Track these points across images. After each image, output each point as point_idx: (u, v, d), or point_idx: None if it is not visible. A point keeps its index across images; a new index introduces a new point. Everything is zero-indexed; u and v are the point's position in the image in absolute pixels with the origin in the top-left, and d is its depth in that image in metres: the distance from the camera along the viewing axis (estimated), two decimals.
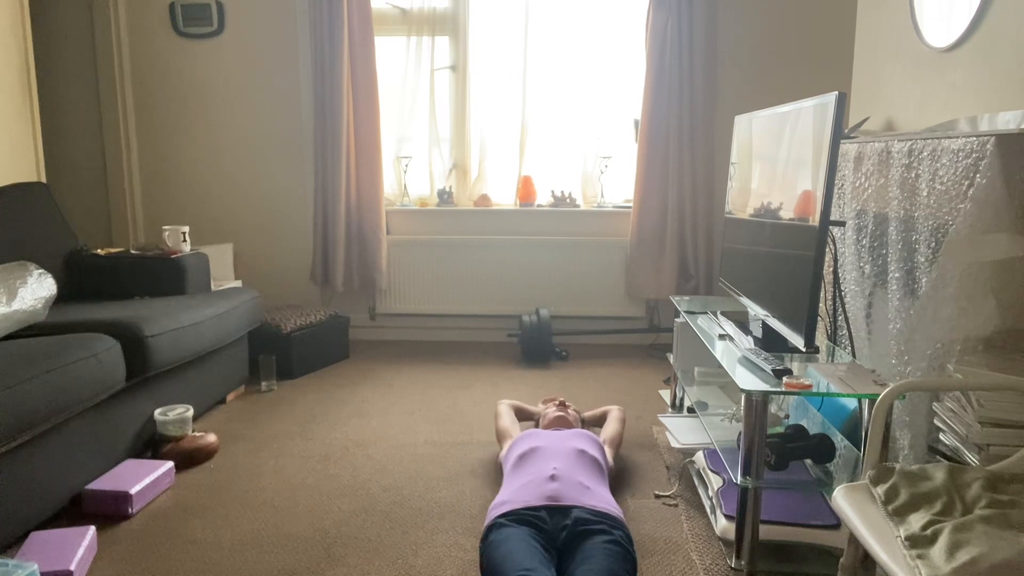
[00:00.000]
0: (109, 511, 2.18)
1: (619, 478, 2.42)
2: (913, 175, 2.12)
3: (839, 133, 1.84)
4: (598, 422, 2.69)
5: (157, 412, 2.57)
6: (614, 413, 2.62)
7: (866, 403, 1.87)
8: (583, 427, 2.64)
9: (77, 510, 2.21)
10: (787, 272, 2.10)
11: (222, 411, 3.07)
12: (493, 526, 1.84)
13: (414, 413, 3.05)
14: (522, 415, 2.73)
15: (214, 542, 2.04)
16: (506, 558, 1.69)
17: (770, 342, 2.22)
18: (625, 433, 2.74)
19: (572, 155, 4.11)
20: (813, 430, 2.10)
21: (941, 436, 1.81)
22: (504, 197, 4.19)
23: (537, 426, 2.61)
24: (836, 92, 1.85)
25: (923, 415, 1.97)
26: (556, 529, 1.82)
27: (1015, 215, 1.74)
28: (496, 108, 4.06)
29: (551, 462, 2.06)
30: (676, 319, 2.88)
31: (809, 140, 2.02)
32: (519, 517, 1.84)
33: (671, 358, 2.97)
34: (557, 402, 2.63)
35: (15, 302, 2.43)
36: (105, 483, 2.23)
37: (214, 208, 4.24)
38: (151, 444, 2.58)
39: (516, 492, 1.95)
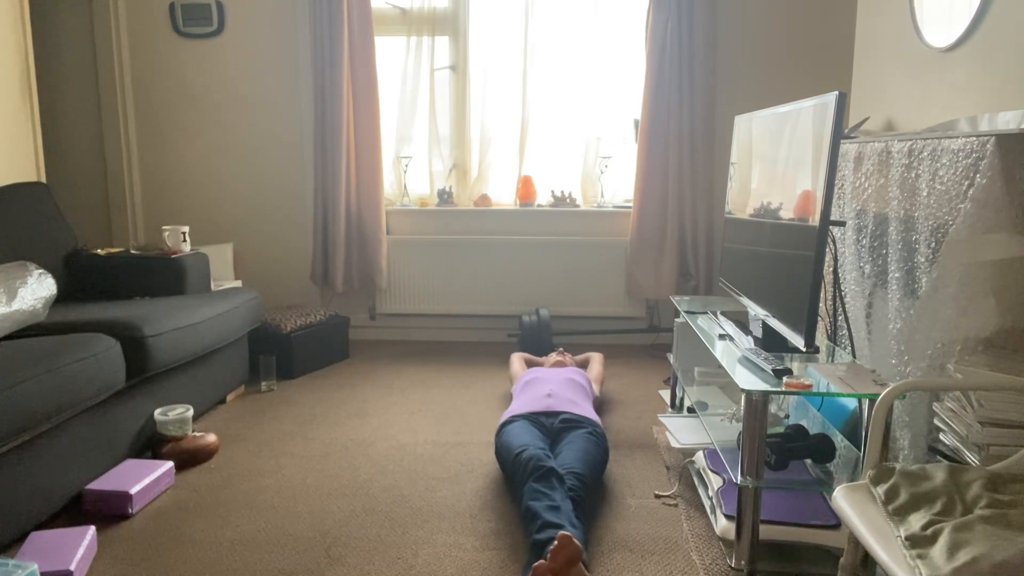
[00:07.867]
0: (109, 511, 2.18)
1: (619, 478, 2.42)
2: (913, 175, 2.12)
3: (839, 133, 1.84)
4: (583, 365, 3.35)
5: (157, 412, 2.57)
6: (596, 357, 3.33)
7: (866, 403, 1.87)
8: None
9: (77, 510, 2.21)
10: (787, 272, 2.10)
11: (222, 411, 3.07)
12: (504, 424, 2.45)
13: (414, 413, 3.05)
14: (530, 363, 3.36)
15: (214, 542, 2.04)
16: (512, 439, 2.29)
17: (770, 342, 2.22)
18: (625, 432, 2.82)
19: (572, 155, 4.11)
20: (813, 430, 2.10)
21: (941, 436, 1.81)
22: (504, 197, 4.19)
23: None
24: (836, 92, 1.85)
25: (923, 415, 1.97)
26: (550, 425, 2.43)
27: (1015, 215, 1.74)
28: (496, 108, 4.05)
29: (548, 386, 2.69)
30: (676, 319, 2.88)
31: (809, 140, 2.02)
32: (523, 417, 2.46)
33: (671, 358, 2.97)
34: (558, 351, 3.28)
35: (15, 302, 2.43)
36: (105, 483, 2.23)
37: (214, 208, 4.24)
38: (151, 444, 2.58)
39: (521, 405, 2.56)
